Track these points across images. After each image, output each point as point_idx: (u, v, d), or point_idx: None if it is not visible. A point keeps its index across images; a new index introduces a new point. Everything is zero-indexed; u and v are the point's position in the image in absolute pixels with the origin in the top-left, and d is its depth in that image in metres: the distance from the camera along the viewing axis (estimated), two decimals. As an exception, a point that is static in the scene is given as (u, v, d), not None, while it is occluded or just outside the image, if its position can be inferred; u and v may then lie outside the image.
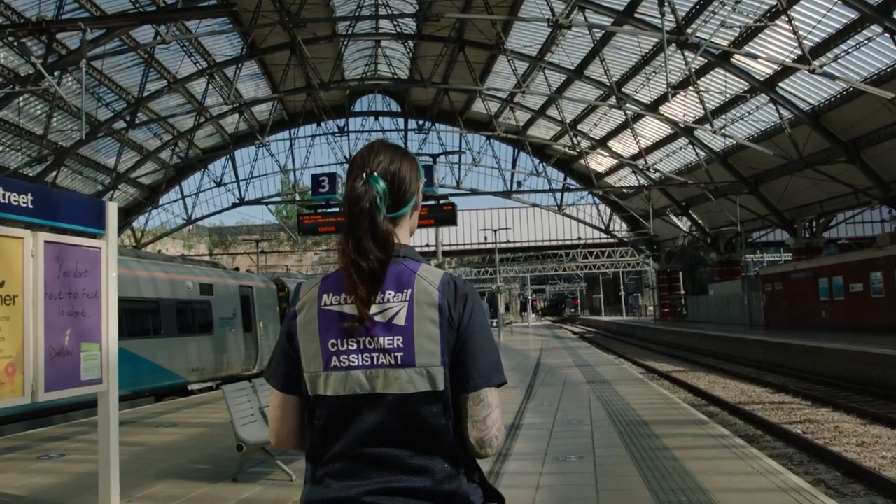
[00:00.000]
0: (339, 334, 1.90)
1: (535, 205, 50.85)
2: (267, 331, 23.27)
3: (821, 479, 9.60)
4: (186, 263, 21.58)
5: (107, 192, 40.29)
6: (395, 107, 48.84)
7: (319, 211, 17.62)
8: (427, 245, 49.73)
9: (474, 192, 48.33)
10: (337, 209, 17.19)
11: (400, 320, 1.88)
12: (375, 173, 1.97)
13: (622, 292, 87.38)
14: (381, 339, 1.87)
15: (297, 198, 45.73)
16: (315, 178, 17.49)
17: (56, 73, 26.74)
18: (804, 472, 9.88)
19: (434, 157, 25.18)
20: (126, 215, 46.33)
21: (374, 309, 1.89)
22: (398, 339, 1.87)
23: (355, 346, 1.88)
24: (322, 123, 46.61)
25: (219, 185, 46.86)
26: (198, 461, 8.83)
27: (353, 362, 1.88)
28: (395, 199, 2.00)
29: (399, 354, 1.86)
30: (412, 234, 2.15)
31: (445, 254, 63.81)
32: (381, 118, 49.15)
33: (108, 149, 38.91)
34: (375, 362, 1.87)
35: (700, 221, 47.21)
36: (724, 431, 9.62)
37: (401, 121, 49.19)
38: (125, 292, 16.36)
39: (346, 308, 1.91)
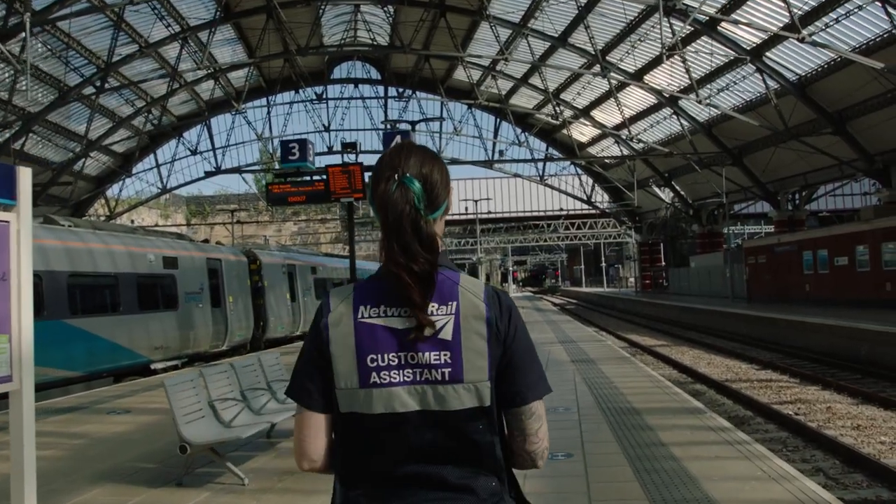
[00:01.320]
0: (379, 349, 1.81)
1: (516, 175, 50.36)
2: (237, 305, 22.41)
3: (819, 467, 9.12)
4: (149, 236, 20.64)
5: (78, 159, 39.35)
6: (374, 74, 48.06)
7: (289, 180, 16.50)
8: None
9: (455, 162, 47.78)
10: (308, 178, 16.21)
11: (446, 335, 1.80)
12: (409, 174, 1.87)
13: (603, 263, 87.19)
14: (426, 354, 1.80)
15: (276, 167, 44.95)
16: (284, 144, 16.40)
17: (22, 35, 25.64)
18: (800, 459, 9.42)
19: (413, 123, 24.31)
20: (99, 184, 45.41)
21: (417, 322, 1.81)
22: (445, 355, 1.80)
23: (396, 361, 1.80)
24: (300, 90, 45.80)
25: (194, 153, 46.07)
26: (143, 458, 7.99)
27: (395, 379, 1.80)
28: (427, 203, 1.89)
29: (447, 370, 1.79)
30: (441, 240, 2.02)
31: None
32: (360, 86, 48.40)
33: (78, 115, 37.82)
34: (419, 378, 1.79)
35: (683, 193, 46.88)
36: (724, 423, 8.93)
37: (380, 88, 48.48)
38: (79, 267, 15.50)
39: (387, 321, 1.82)
